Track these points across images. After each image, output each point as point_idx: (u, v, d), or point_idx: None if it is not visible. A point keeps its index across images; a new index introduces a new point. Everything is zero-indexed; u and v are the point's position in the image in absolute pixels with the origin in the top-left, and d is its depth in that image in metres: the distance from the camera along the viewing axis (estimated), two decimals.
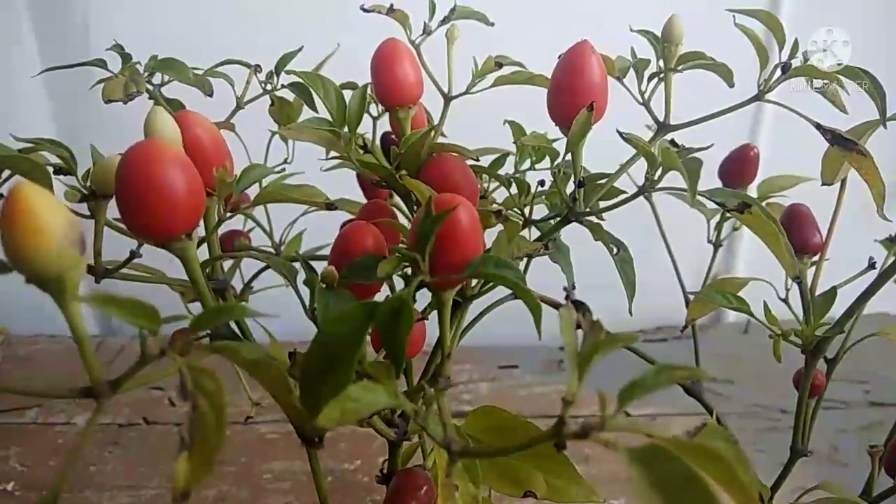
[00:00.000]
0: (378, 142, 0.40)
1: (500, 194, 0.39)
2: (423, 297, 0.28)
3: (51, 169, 0.27)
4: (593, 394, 0.18)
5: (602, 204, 0.31)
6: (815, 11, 0.72)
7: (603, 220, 0.31)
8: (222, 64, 0.37)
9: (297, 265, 0.28)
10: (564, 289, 0.20)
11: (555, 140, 0.37)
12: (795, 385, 0.36)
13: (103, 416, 0.66)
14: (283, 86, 0.36)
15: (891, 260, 0.33)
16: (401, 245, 0.30)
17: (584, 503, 0.32)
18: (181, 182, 0.21)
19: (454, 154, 0.32)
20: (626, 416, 0.15)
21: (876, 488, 0.37)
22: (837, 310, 0.34)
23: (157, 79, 0.35)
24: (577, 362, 0.18)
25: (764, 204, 0.40)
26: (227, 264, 0.38)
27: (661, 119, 0.31)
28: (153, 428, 0.68)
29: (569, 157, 0.29)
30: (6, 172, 0.26)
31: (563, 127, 0.29)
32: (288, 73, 0.36)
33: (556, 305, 0.37)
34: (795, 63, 0.30)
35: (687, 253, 0.49)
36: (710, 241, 0.43)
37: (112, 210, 0.26)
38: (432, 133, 0.31)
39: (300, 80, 0.34)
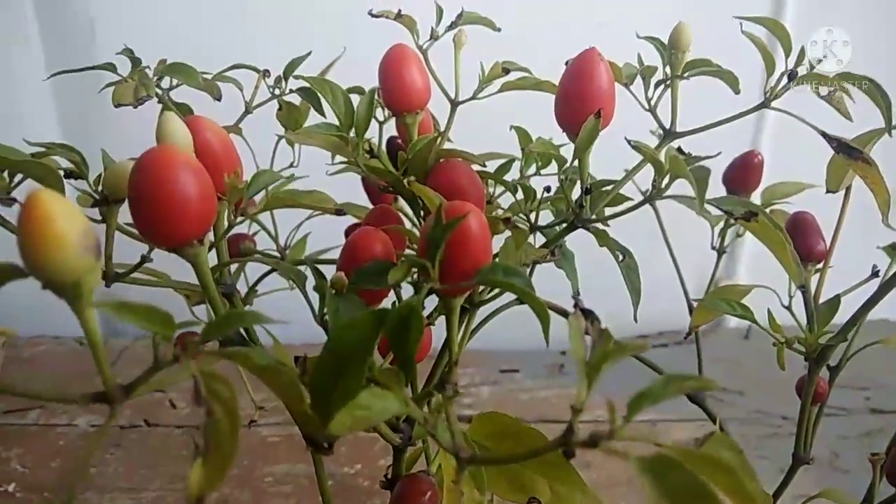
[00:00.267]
0: (384, 146, 0.40)
1: (506, 199, 0.39)
2: (430, 301, 0.28)
3: (61, 172, 0.27)
4: (597, 398, 0.18)
5: (608, 210, 0.31)
6: (820, 11, 0.73)
7: (608, 226, 0.31)
8: (231, 68, 0.37)
9: (304, 270, 0.28)
10: (573, 297, 0.20)
11: (561, 145, 0.37)
12: (798, 392, 0.36)
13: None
14: (291, 91, 0.36)
15: (894, 268, 0.33)
16: (408, 251, 0.30)
17: None
18: (194, 188, 0.21)
19: (461, 160, 0.32)
20: (609, 402, 0.16)
21: (877, 496, 0.37)
22: (839, 316, 0.34)
23: (165, 82, 0.35)
24: (585, 371, 0.18)
25: (768, 211, 0.40)
26: (233, 267, 0.38)
27: (668, 126, 0.32)
28: (154, 430, 0.68)
29: (576, 162, 0.30)
30: (18, 176, 0.27)
31: (570, 133, 0.29)
32: (296, 77, 0.36)
33: (560, 311, 0.37)
34: (801, 70, 0.30)
35: (689, 257, 0.49)
36: (713, 248, 0.44)
37: (123, 214, 0.27)
38: (439, 139, 0.31)
39: (308, 85, 0.34)
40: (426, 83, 0.33)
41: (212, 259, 0.28)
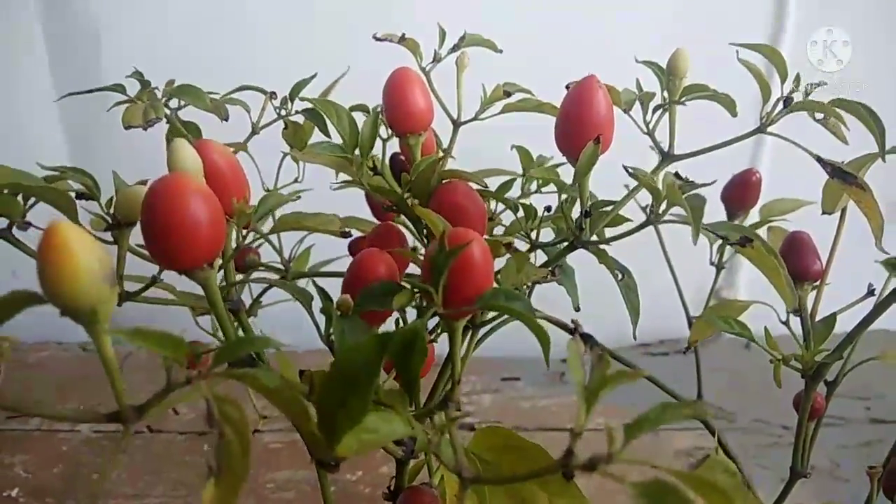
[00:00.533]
0: (387, 162, 0.41)
1: (507, 215, 0.40)
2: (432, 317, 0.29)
3: (72, 195, 0.28)
4: (598, 406, 0.19)
5: (608, 230, 0.31)
6: (821, 11, 0.73)
7: (609, 244, 0.32)
8: (238, 90, 0.38)
9: (306, 284, 0.29)
10: (572, 321, 0.21)
11: (559, 164, 0.38)
12: (795, 407, 0.37)
13: (108, 425, 0.67)
14: (297, 112, 0.37)
15: (892, 285, 0.34)
16: (409, 273, 0.30)
17: None
18: (205, 215, 0.22)
19: (463, 180, 0.33)
20: (608, 426, 0.16)
21: None
22: (836, 326, 0.35)
23: (173, 103, 0.36)
24: (584, 395, 0.19)
25: (766, 228, 0.41)
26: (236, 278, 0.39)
27: (665, 149, 0.32)
28: (157, 436, 0.69)
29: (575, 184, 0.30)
30: (31, 199, 0.27)
31: (570, 158, 0.30)
32: (302, 99, 0.37)
33: (559, 324, 0.37)
34: (796, 96, 0.31)
35: (688, 267, 0.50)
36: (712, 263, 0.44)
37: (134, 236, 0.27)
38: (442, 160, 0.32)
39: (313, 106, 0.35)
40: (429, 105, 0.34)
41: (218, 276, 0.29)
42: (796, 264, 0.34)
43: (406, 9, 0.62)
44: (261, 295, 0.43)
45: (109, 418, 0.20)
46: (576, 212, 0.32)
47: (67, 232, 0.18)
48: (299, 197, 0.31)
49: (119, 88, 0.34)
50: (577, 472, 0.19)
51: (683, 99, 0.32)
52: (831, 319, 0.33)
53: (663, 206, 0.28)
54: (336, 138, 0.34)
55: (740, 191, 0.41)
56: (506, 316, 0.34)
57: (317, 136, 0.40)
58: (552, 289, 0.35)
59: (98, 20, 0.79)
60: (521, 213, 0.35)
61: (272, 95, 0.37)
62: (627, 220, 0.32)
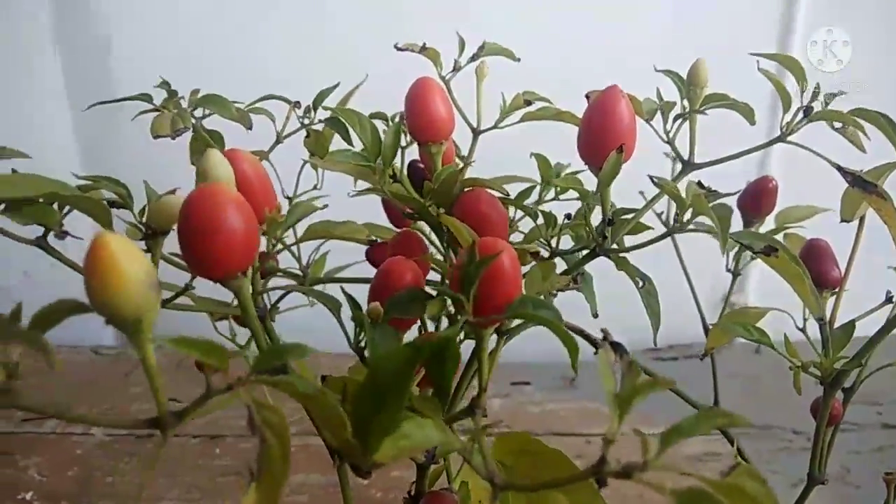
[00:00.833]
0: (406, 170, 0.41)
1: (525, 222, 0.40)
2: None
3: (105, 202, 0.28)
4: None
5: (629, 239, 0.32)
6: (820, 11, 0.73)
7: (628, 251, 0.32)
8: (262, 99, 0.38)
9: (323, 288, 0.29)
10: (602, 330, 0.21)
11: (578, 171, 0.38)
12: (813, 414, 0.37)
13: (121, 428, 0.67)
14: (320, 121, 0.38)
15: None
16: (428, 279, 0.31)
17: None
18: (241, 225, 0.22)
19: (485, 188, 0.33)
20: (642, 434, 0.16)
21: None
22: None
23: (197, 112, 0.36)
24: (617, 404, 0.19)
25: (782, 235, 0.41)
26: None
27: (686, 158, 0.33)
28: (171, 440, 0.69)
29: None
30: (64, 207, 0.28)
31: (592, 167, 0.30)
32: (325, 108, 0.37)
33: (577, 330, 0.38)
34: (816, 105, 0.31)
35: (698, 273, 0.50)
36: (728, 270, 0.45)
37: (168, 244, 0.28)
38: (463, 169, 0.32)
39: (335, 115, 0.35)
40: (450, 114, 0.34)
41: None
42: (815, 271, 0.34)
43: (425, 18, 0.63)
44: (279, 300, 0.43)
45: (148, 424, 0.21)
46: (596, 219, 0.32)
47: (114, 243, 0.18)
48: (326, 206, 0.32)
49: (146, 98, 0.35)
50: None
51: (704, 108, 0.32)
52: (850, 326, 0.34)
53: (687, 216, 0.29)
54: (357, 146, 0.34)
55: (757, 198, 0.41)
56: (527, 323, 0.34)
57: (335, 144, 0.40)
58: (561, 295, 0.36)
59: (109, 24, 0.80)
60: (540, 221, 0.35)
61: (296, 105, 0.37)
62: (648, 227, 0.32)
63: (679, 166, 0.33)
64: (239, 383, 0.20)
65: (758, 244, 0.27)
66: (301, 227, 0.38)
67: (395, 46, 0.36)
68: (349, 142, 0.36)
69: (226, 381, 0.20)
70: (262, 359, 0.20)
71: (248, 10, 0.79)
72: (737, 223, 0.43)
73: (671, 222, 0.30)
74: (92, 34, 0.80)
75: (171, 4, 0.80)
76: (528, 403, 0.79)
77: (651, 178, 0.28)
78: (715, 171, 0.33)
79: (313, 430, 0.30)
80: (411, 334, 0.30)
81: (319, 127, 0.38)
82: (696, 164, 0.32)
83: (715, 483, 0.18)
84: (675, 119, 0.33)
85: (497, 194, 0.33)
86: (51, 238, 0.28)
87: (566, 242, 0.37)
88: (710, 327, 0.39)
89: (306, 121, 0.38)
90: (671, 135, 0.33)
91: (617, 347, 0.21)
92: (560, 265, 0.36)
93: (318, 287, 0.34)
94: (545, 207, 0.38)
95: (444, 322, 0.32)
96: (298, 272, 0.48)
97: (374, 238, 0.30)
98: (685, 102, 0.33)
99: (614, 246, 0.31)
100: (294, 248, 0.48)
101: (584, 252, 0.33)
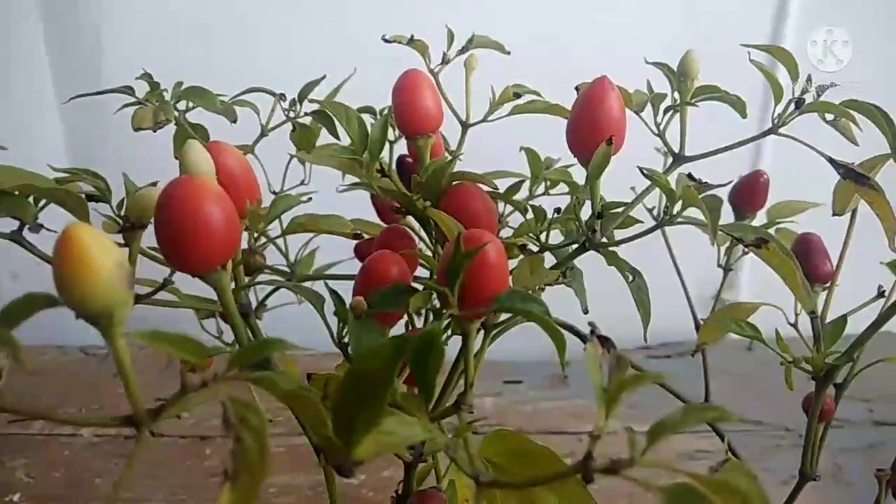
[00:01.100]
0: (395, 164, 0.41)
1: (515, 217, 0.40)
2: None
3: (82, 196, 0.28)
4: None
5: (618, 232, 0.31)
6: (821, 11, 0.73)
7: (618, 245, 0.32)
8: (246, 92, 0.37)
9: (311, 285, 0.28)
10: (590, 324, 0.21)
11: (568, 166, 0.38)
12: (805, 409, 0.37)
13: (109, 429, 0.66)
14: (305, 113, 0.37)
15: None
16: (416, 275, 0.30)
17: None
18: (220, 218, 0.21)
19: (473, 182, 0.32)
20: (630, 430, 0.16)
21: None
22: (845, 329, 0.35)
23: (181, 104, 0.36)
24: (604, 399, 0.19)
25: (774, 228, 0.41)
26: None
27: (676, 150, 0.32)
28: (159, 440, 0.68)
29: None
30: (41, 200, 0.27)
31: (581, 159, 0.30)
32: (311, 101, 0.36)
33: (566, 326, 0.37)
34: (807, 97, 0.31)
35: (689, 269, 0.50)
36: (720, 265, 0.44)
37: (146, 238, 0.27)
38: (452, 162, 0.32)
39: (322, 108, 0.34)
40: (438, 107, 0.34)
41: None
42: (806, 266, 0.34)
43: (413, 10, 0.62)
44: (266, 297, 0.42)
45: (124, 421, 0.20)
46: (586, 213, 0.32)
47: (84, 234, 0.17)
48: (310, 199, 0.31)
49: (128, 90, 0.34)
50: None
51: (695, 100, 0.32)
52: (841, 321, 0.33)
53: (677, 208, 0.28)
54: (345, 140, 0.34)
55: (748, 192, 0.41)
56: (516, 318, 0.34)
57: (323, 139, 0.40)
58: (549, 290, 0.35)
59: (99, 19, 0.79)
60: (530, 215, 0.35)
61: (281, 97, 0.36)
62: (638, 221, 0.32)
63: (670, 160, 0.33)
64: (215, 379, 0.19)
65: (748, 237, 0.27)
66: (287, 222, 0.37)
67: (383, 38, 0.35)
68: (336, 135, 0.35)
69: (202, 377, 0.19)
70: (241, 354, 0.20)
71: (242, 4, 0.79)
72: (728, 219, 0.43)
73: (661, 216, 0.29)
74: (81, 30, 0.79)
75: None
76: (521, 402, 0.78)
77: (641, 169, 0.28)
78: (701, 166, 0.32)
79: (300, 430, 0.29)
80: (398, 331, 0.29)
81: (306, 120, 0.38)
82: (687, 156, 0.32)
83: (704, 479, 0.18)
84: (665, 111, 0.33)
85: (486, 188, 0.33)
86: (26, 232, 0.27)
87: (556, 238, 0.37)
88: (702, 323, 0.38)
89: (292, 114, 0.38)
90: (661, 127, 0.33)
91: (605, 341, 0.21)
92: (549, 260, 0.35)
93: (306, 284, 0.34)
94: (535, 202, 0.37)
95: (433, 319, 0.31)
96: (285, 269, 0.47)
97: (359, 232, 0.30)
98: (676, 95, 0.32)
99: (604, 240, 0.30)
100: (282, 246, 0.48)
101: (574, 246, 0.32)
